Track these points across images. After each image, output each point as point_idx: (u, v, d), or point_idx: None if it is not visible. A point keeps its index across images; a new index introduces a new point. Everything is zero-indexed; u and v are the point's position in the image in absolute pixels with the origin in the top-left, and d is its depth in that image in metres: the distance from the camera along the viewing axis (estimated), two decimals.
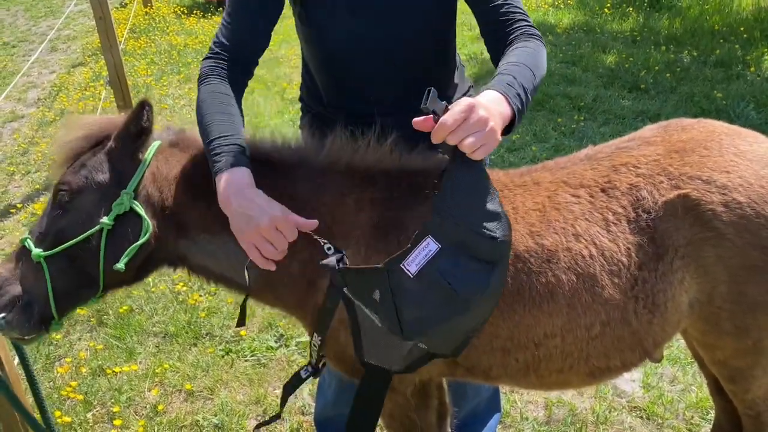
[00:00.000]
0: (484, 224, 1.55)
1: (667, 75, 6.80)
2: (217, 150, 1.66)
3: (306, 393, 3.21)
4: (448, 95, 2.09)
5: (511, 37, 1.75)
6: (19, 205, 5.25)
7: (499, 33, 1.78)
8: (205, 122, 1.72)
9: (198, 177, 1.78)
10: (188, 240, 1.80)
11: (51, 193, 1.77)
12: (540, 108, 6.30)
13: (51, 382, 3.37)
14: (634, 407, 3.03)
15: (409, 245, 1.56)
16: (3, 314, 1.67)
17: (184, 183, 1.78)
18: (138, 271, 1.81)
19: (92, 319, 3.83)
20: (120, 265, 1.68)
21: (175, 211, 1.77)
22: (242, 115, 1.81)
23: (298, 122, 2.29)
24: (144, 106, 1.71)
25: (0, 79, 8.54)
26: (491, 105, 1.50)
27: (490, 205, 1.57)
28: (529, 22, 1.79)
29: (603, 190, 1.78)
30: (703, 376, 2.47)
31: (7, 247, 4.70)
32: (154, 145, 1.79)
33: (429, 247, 1.53)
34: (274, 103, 6.94)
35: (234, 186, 1.61)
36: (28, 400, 2.27)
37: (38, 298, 1.70)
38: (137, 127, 1.72)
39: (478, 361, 1.85)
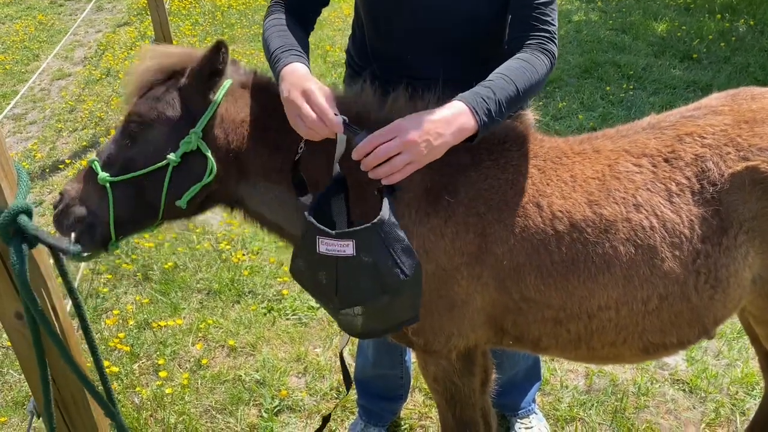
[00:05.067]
0: (402, 258, 1.55)
1: (721, 44, 6.56)
2: (277, 57, 1.77)
3: (346, 353, 3.25)
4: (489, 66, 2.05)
5: (527, 42, 1.80)
6: (67, 161, 5.36)
7: (521, 34, 1.83)
8: (267, 43, 1.85)
9: (263, 123, 1.80)
10: (248, 184, 1.83)
11: (122, 120, 1.80)
12: (588, 76, 6.15)
13: (99, 334, 3.47)
14: (677, 380, 3.00)
15: (334, 232, 1.54)
16: (72, 233, 1.72)
17: (250, 128, 1.79)
18: (197, 207, 1.86)
19: (138, 274, 3.92)
20: (182, 203, 1.76)
21: (238, 155, 1.78)
22: (305, 39, 1.91)
23: (341, 85, 2.28)
24: (220, 47, 1.71)
25: (48, 37, 8.65)
26: (443, 121, 1.60)
27: (408, 242, 1.58)
28: (552, 35, 1.82)
29: (666, 160, 1.73)
30: (755, 351, 2.42)
31: None
32: (225, 85, 1.79)
33: (347, 249, 1.52)
34: (316, 66, 6.89)
35: (288, 76, 1.70)
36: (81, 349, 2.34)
37: (101, 220, 1.76)
38: (212, 68, 1.74)
39: (527, 330, 1.83)
